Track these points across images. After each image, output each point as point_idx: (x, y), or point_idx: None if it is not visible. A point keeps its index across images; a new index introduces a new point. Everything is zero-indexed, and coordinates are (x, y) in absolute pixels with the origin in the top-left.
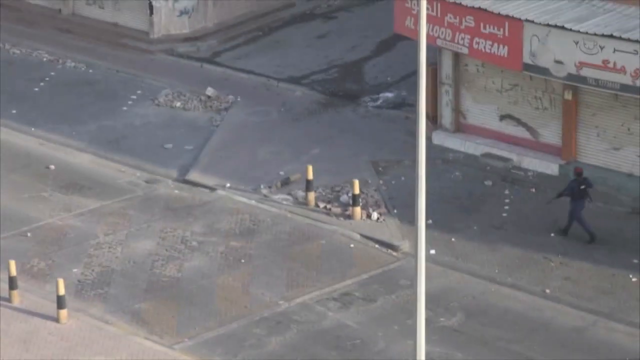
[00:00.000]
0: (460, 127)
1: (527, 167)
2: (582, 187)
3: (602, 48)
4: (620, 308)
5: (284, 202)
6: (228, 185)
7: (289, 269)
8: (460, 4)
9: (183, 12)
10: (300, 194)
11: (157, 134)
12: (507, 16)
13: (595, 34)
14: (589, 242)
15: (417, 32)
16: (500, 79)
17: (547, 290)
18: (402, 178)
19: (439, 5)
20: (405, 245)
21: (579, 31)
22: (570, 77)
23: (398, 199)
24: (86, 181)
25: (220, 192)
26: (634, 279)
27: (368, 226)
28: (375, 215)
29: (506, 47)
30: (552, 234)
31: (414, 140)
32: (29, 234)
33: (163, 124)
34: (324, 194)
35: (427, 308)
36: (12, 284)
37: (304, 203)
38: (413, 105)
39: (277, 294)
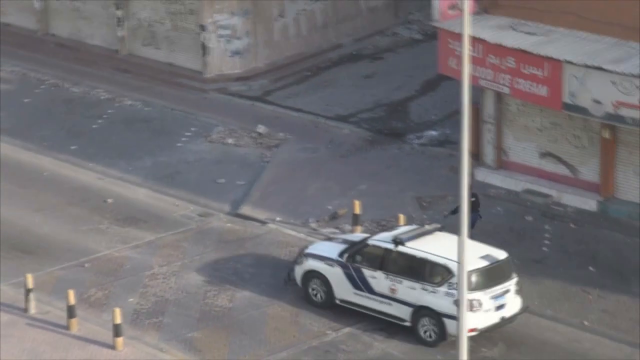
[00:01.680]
0: (502, 164)
1: (567, 203)
2: (473, 199)
3: (638, 88)
4: None
5: (332, 236)
6: (278, 219)
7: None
8: (501, 45)
9: (235, 53)
10: (348, 227)
11: (210, 169)
12: (547, 57)
13: (632, 75)
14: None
15: (460, 72)
16: (540, 117)
17: (586, 322)
18: (446, 213)
19: (481, 46)
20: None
21: (616, 72)
22: (608, 116)
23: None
24: (142, 214)
25: (271, 225)
26: None
27: None
28: None
29: (546, 87)
30: (591, 268)
31: (457, 177)
32: (87, 265)
33: (216, 160)
34: (370, 228)
35: (469, 339)
36: (71, 312)
37: None
38: (456, 143)
39: (325, 324)
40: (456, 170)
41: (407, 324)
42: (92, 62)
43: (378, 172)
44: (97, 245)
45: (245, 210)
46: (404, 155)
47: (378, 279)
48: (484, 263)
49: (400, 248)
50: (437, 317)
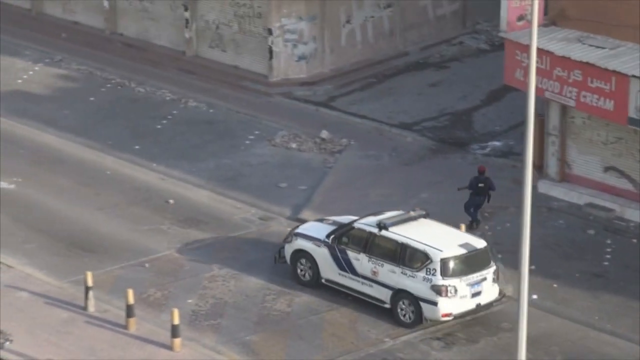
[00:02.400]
0: (565, 177)
1: (629, 218)
2: (481, 184)
3: None
4: None
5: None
6: None
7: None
8: (569, 58)
9: (301, 58)
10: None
11: (273, 173)
12: (614, 71)
13: None
14: (468, 225)
15: (526, 84)
16: (605, 131)
17: None
18: (507, 224)
19: (548, 58)
20: (508, 290)
21: None
22: None
23: (503, 244)
24: (203, 216)
25: None
26: None
27: None
28: None
29: (612, 101)
30: None
31: (520, 188)
32: (147, 265)
33: (278, 164)
34: None
35: (527, 351)
36: (129, 312)
37: None
38: (520, 155)
39: (383, 332)
40: (519, 181)
41: (387, 305)
42: (158, 62)
43: (440, 181)
44: (157, 245)
45: (306, 214)
46: (466, 165)
47: (361, 261)
48: (461, 251)
49: (384, 232)
50: (415, 300)
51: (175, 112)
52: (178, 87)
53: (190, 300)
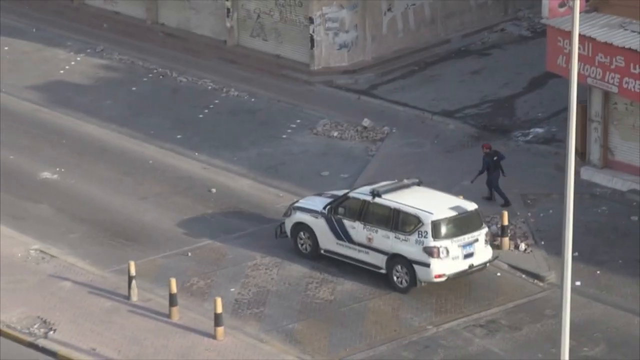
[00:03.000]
0: (607, 164)
1: None
2: (495, 158)
3: None
4: None
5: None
6: None
7: (438, 295)
8: (611, 44)
9: (343, 46)
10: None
11: (315, 161)
12: None
13: None
14: (503, 205)
15: (568, 70)
16: None
17: None
18: (550, 211)
19: (590, 45)
20: (551, 276)
21: None
22: None
23: (545, 231)
24: (245, 205)
25: None
26: None
27: (515, 256)
28: (522, 246)
29: None
30: None
31: (563, 175)
32: (189, 254)
33: (320, 153)
34: None
35: (571, 338)
36: (172, 300)
37: None
38: (562, 141)
39: (426, 319)
40: (562, 168)
41: (383, 271)
42: (200, 52)
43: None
44: (200, 234)
45: None
46: (509, 152)
47: (357, 229)
48: (452, 213)
49: (377, 200)
50: (408, 264)
51: (216, 101)
52: (219, 77)
53: (232, 289)
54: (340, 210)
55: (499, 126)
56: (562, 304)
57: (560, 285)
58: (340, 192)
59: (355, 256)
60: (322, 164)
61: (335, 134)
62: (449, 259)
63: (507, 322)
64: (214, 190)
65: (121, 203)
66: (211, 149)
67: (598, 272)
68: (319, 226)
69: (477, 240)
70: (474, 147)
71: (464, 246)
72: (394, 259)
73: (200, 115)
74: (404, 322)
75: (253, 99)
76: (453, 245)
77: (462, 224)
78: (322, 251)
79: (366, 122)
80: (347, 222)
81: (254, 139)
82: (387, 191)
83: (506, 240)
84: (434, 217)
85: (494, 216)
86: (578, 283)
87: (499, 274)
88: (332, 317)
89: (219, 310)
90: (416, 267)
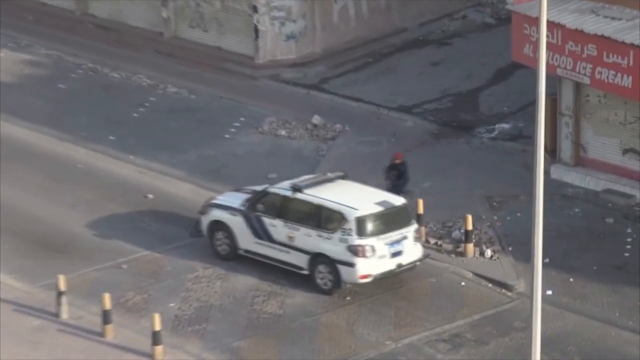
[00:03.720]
0: (580, 161)
1: None
2: (394, 172)
3: None
4: None
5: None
6: None
7: (397, 307)
8: (582, 31)
9: (290, 37)
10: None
11: (261, 163)
12: (632, 44)
13: None
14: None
15: (536, 60)
16: (623, 110)
17: None
18: (518, 214)
19: (559, 32)
20: (520, 285)
21: None
22: None
23: (513, 236)
24: (186, 212)
25: None
26: None
27: (481, 264)
28: (488, 252)
29: (630, 78)
30: None
31: (531, 175)
32: (124, 266)
33: (267, 153)
34: (434, 229)
35: (542, 352)
36: (106, 318)
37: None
38: (531, 138)
39: (384, 334)
40: (530, 167)
41: (305, 272)
42: (134, 45)
43: (444, 168)
44: (136, 244)
45: None
46: (473, 150)
47: (277, 227)
48: (378, 209)
49: (298, 195)
50: (332, 264)
51: (153, 99)
52: (156, 72)
53: (172, 304)
54: (259, 207)
55: (462, 122)
56: (533, 315)
57: (530, 295)
58: (260, 188)
59: (275, 256)
60: (268, 166)
61: (283, 132)
62: (375, 258)
63: (473, 336)
64: (151, 196)
65: (49, 212)
66: (148, 151)
67: (571, 279)
68: (237, 224)
69: (405, 237)
70: (435, 145)
71: (392, 244)
72: (317, 258)
73: (135, 115)
74: (360, 338)
75: (193, 96)
76: (379, 244)
77: (389, 221)
78: (240, 251)
79: (316, 119)
80: (266, 220)
81: (195, 140)
82: (308, 186)
83: (470, 246)
84: (359, 213)
85: (457, 220)
86: (549, 292)
87: (463, 283)
88: (281, 333)
89: (158, 327)
90: (340, 267)
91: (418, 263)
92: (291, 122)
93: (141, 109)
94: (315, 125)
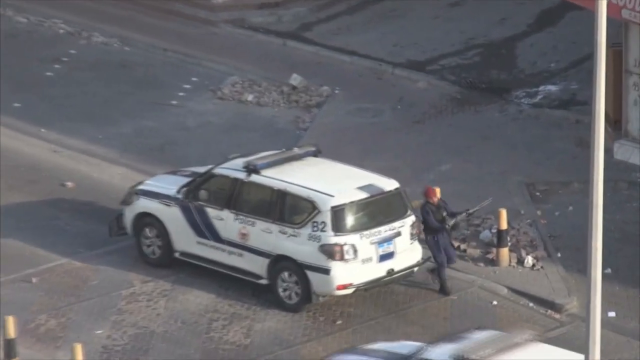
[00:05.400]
0: None
1: None
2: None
3: None
4: None
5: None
6: None
7: (405, 335)
8: None
9: None
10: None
11: (220, 139)
12: None
13: None
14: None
15: None
16: None
17: None
18: (570, 208)
19: None
20: (572, 304)
21: None
22: None
23: (563, 237)
24: (117, 205)
25: None
26: None
27: (519, 276)
28: (529, 260)
29: None
30: None
31: (587, 154)
32: (34, 280)
33: (228, 126)
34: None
35: None
36: (10, 350)
37: None
38: (587, 104)
39: None
40: (586, 143)
41: (264, 281)
42: None
43: (469, 145)
44: (50, 250)
45: None
46: (508, 120)
47: (226, 221)
48: (361, 195)
49: (254, 177)
50: (299, 270)
51: (73, 51)
52: (77, 15)
53: (99, 331)
54: (202, 194)
55: (493, 83)
56: (589, 344)
57: (585, 318)
58: (204, 169)
59: (223, 260)
60: (230, 143)
61: (250, 97)
62: (358, 262)
63: None
64: (70, 184)
65: None
66: (65, 122)
67: None
68: (172, 218)
69: (398, 234)
70: (457, 114)
71: (380, 243)
72: (279, 263)
73: (49, 73)
74: None
75: (127, 48)
76: (363, 242)
77: (377, 211)
78: (176, 254)
79: (295, 79)
80: (211, 212)
81: (129, 108)
82: (268, 165)
83: (505, 252)
84: (335, 202)
85: (487, 217)
86: (612, 314)
87: (495, 302)
88: None
89: None
90: (310, 274)
91: (416, 269)
92: (261, 83)
93: (57, 66)
94: (293, 88)
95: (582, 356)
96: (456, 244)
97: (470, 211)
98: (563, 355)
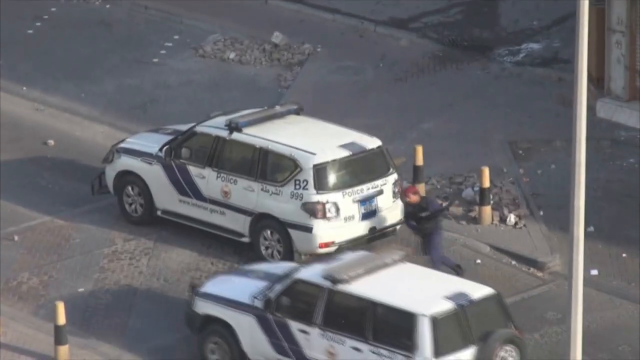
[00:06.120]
0: (636, 94)
1: None
2: (424, 214)
3: None
4: None
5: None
6: None
7: None
8: None
9: None
10: (405, 185)
11: (201, 97)
12: None
13: None
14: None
15: None
16: None
17: None
18: (552, 166)
19: None
20: (555, 263)
21: None
22: None
23: (545, 196)
24: (99, 163)
25: None
26: None
27: (501, 234)
28: (512, 218)
29: None
30: None
31: (570, 112)
32: (16, 238)
33: (210, 84)
34: (438, 187)
35: (584, 353)
36: None
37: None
38: (569, 62)
39: None
40: (568, 102)
41: (245, 239)
42: None
43: (452, 103)
44: (32, 208)
45: None
46: (490, 79)
47: (207, 179)
48: (343, 153)
49: (236, 135)
50: (281, 228)
51: (53, 9)
52: None
53: (81, 289)
54: (183, 152)
55: (475, 41)
56: (571, 302)
57: (568, 276)
58: (186, 127)
59: (205, 218)
60: (212, 101)
61: (232, 55)
62: (340, 220)
63: None
64: (51, 142)
65: None
66: (47, 80)
67: (624, 254)
68: (154, 175)
69: (381, 192)
70: (439, 72)
71: (362, 202)
72: (261, 221)
73: (30, 31)
74: None
75: (108, 5)
76: (346, 200)
77: (359, 170)
78: (158, 212)
79: (277, 37)
80: (193, 170)
81: (111, 66)
82: (250, 123)
83: (487, 210)
84: (318, 160)
85: (469, 175)
86: (594, 272)
87: (478, 260)
88: None
89: (61, 321)
90: (292, 232)
91: (398, 227)
92: (242, 40)
93: (38, 24)
94: (275, 46)
95: (452, 277)
96: (438, 201)
97: (445, 205)
98: (431, 276)
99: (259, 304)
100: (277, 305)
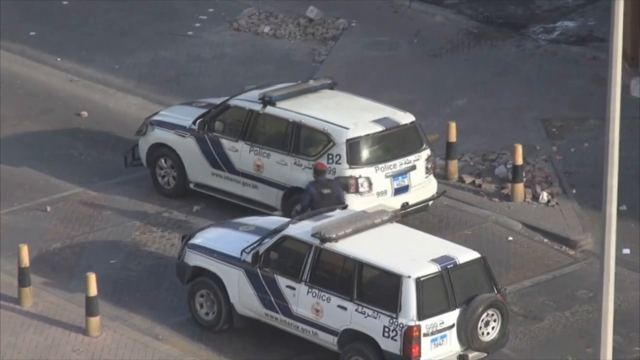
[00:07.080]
0: None
1: None
2: (326, 191)
3: None
4: None
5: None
6: None
7: None
8: None
9: None
10: (439, 162)
11: (235, 70)
12: None
13: None
14: None
15: None
16: None
17: None
18: (585, 144)
19: None
20: (587, 241)
21: None
22: None
23: (578, 174)
24: (132, 135)
25: None
26: None
27: (534, 212)
28: (544, 196)
29: None
30: None
31: (604, 90)
32: (48, 208)
33: (244, 57)
34: (471, 163)
35: (615, 332)
36: (23, 279)
37: (443, 176)
38: (604, 41)
39: None
40: (603, 80)
41: (277, 213)
42: None
43: (485, 80)
44: (64, 179)
45: None
46: (525, 56)
47: (240, 152)
48: (377, 128)
49: (270, 109)
50: None
51: None
52: None
53: (113, 261)
54: (217, 126)
55: (510, 18)
56: (603, 281)
57: (600, 255)
58: (219, 100)
59: (238, 192)
60: (246, 74)
61: (266, 29)
62: (373, 195)
63: (522, 310)
64: (85, 113)
65: None
66: (81, 51)
67: None
68: (187, 149)
69: (414, 167)
70: (473, 48)
71: (395, 177)
72: (294, 195)
73: (65, 2)
74: None
75: None
76: (378, 175)
77: (392, 145)
78: (191, 185)
79: (312, 11)
80: (226, 143)
81: (145, 37)
82: (283, 97)
83: (520, 187)
84: (351, 134)
85: (502, 152)
86: (627, 251)
87: (510, 237)
88: None
89: (93, 292)
90: None
91: (430, 203)
92: (277, 15)
93: None
94: (310, 20)
95: (438, 239)
96: (471, 179)
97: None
98: (419, 238)
99: (247, 258)
100: (266, 260)
